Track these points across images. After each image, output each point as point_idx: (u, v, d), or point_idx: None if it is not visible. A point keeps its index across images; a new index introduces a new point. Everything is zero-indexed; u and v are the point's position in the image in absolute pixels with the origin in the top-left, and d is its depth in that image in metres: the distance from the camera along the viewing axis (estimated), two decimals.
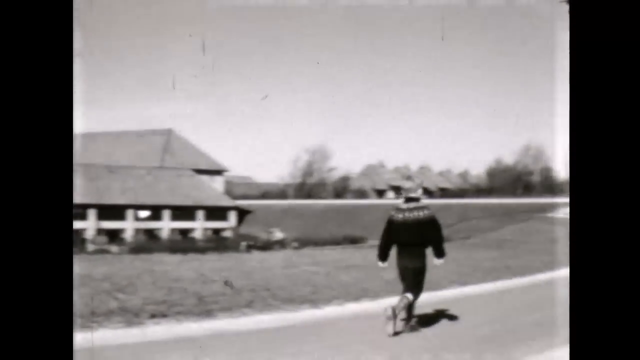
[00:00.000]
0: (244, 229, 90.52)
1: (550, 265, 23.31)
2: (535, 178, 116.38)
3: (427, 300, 14.04)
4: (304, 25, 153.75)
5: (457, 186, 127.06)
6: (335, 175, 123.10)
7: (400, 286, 10.26)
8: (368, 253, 27.30)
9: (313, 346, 9.24)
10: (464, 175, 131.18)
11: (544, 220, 60.17)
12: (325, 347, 9.14)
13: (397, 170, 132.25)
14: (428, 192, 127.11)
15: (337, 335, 10.19)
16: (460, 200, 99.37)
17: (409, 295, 9.94)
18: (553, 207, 74.85)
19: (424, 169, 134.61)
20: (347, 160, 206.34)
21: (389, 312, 9.73)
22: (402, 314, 9.98)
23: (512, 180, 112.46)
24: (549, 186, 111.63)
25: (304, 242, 64.95)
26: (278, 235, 79.22)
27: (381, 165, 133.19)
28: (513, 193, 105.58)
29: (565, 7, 7.37)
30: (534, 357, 8.97)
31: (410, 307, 10.08)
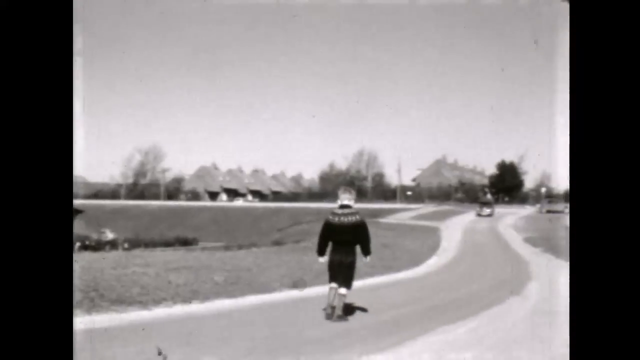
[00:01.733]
0: (75, 229, 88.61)
1: (380, 270, 23.75)
2: (368, 183, 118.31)
3: (255, 303, 14.11)
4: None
5: (290, 190, 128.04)
6: (169, 176, 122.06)
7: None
8: (199, 255, 27.21)
9: (140, 347, 9.14)
10: (297, 178, 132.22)
11: (375, 225, 61.17)
12: (153, 349, 9.06)
13: (230, 172, 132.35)
14: (261, 195, 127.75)
15: (166, 337, 10.12)
16: (293, 203, 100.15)
17: (343, 291, 11.87)
18: (385, 212, 76.26)
19: (257, 172, 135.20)
20: (180, 161, 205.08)
21: (329, 311, 11.89)
22: (340, 305, 11.86)
23: (344, 185, 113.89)
24: (381, 191, 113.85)
25: (135, 243, 63.92)
26: (109, 235, 77.54)
27: (215, 168, 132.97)
28: None
29: (566, 6, 7.43)
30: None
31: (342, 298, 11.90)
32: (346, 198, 12.15)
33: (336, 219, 11.97)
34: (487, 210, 72.33)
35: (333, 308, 11.84)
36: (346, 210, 12.01)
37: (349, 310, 12.54)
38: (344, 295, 11.89)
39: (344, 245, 11.92)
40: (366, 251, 12.16)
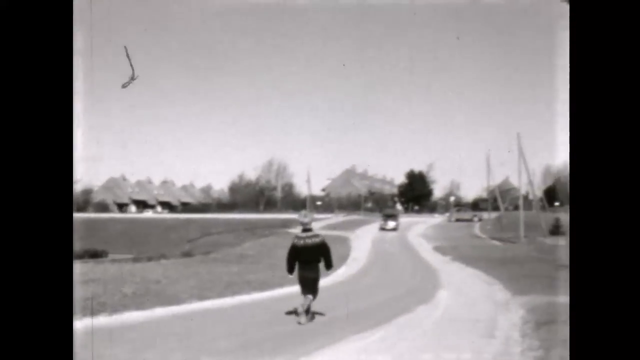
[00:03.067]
0: None
1: (290, 280, 23.79)
2: (278, 194, 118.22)
3: (164, 315, 14.01)
4: None
5: (200, 201, 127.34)
6: (77, 188, 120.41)
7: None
8: (109, 267, 26.89)
9: None
10: (206, 189, 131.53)
11: (285, 236, 61.36)
12: None
13: (139, 183, 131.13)
14: (171, 207, 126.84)
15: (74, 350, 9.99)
16: (202, 214, 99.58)
17: (311, 297, 13.72)
18: (294, 222, 76.13)
19: (167, 183, 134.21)
20: (89, 173, 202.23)
21: (300, 309, 13.54)
22: (305, 305, 13.59)
23: (254, 196, 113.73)
24: (291, 202, 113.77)
25: None
26: None
27: (123, 179, 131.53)
28: (255, 208, 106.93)
29: (566, 7, 7.46)
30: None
31: (309, 304, 13.71)
32: (307, 223, 14.04)
33: (301, 241, 13.88)
34: (391, 224, 64.68)
35: (306, 313, 13.57)
36: (309, 234, 13.94)
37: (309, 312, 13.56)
38: (311, 300, 13.70)
39: (309, 264, 13.84)
40: (328, 266, 14.09)
